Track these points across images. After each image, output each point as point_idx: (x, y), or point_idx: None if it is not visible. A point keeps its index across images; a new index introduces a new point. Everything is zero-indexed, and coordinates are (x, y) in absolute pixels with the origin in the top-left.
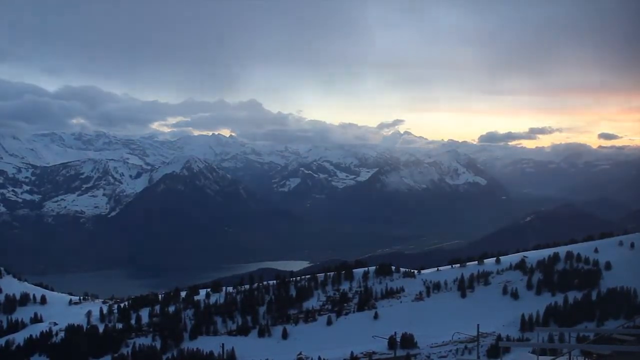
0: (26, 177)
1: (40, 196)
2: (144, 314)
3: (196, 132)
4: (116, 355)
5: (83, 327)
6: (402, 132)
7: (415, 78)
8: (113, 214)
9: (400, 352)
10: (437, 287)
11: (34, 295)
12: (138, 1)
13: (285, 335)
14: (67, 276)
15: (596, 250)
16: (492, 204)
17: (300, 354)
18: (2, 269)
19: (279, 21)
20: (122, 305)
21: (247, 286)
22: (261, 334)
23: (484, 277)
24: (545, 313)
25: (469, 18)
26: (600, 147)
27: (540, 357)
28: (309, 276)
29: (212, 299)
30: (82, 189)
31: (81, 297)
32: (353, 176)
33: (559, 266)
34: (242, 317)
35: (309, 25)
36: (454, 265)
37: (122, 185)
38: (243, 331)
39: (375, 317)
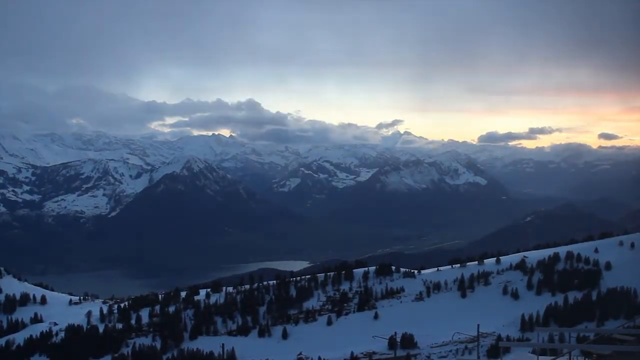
0: (26, 177)
1: (40, 196)
2: (144, 314)
3: (195, 132)
4: (116, 355)
5: (83, 327)
6: (402, 132)
7: (415, 78)
8: (113, 214)
9: (400, 352)
10: (437, 287)
11: (34, 295)
12: (134, 1)
13: (285, 335)
14: (67, 276)
15: (596, 250)
16: (492, 204)
17: (300, 354)
18: (2, 269)
19: (277, 21)
20: (122, 305)
21: (247, 286)
22: (261, 334)
23: (484, 277)
24: (545, 313)
25: (469, 17)
26: (600, 147)
27: (540, 357)
28: (309, 276)
29: (212, 299)
30: (82, 189)
31: (81, 297)
32: (353, 176)
33: (559, 266)
34: (242, 317)
35: (306, 25)
36: (454, 265)
37: (122, 185)
38: (243, 331)
39: (375, 317)
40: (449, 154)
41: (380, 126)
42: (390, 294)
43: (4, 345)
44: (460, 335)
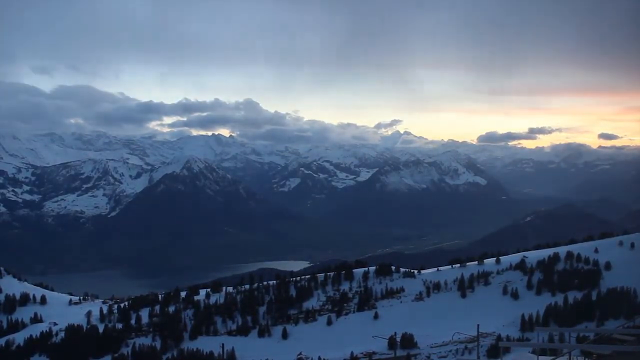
0: (26, 177)
1: (40, 196)
2: (144, 314)
3: (194, 132)
4: (116, 355)
5: (83, 327)
6: (401, 132)
7: (414, 78)
8: (113, 214)
9: (400, 352)
10: (437, 287)
11: (34, 295)
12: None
13: (285, 335)
14: (67, 276)
15: (596, 250)
16: (492, 204)
17: (300, 354)
18: (2, 269)
19: (274, 20)
20: (122, 305)
21: (247, 286)
22: (261, 334)
23: (484, 277)
24: (545, 313)
25: (468, 17)
26: (600, 147)
27: (540, 357)
28: (309, 276)
29: (212, 299)
30: (82, 189)
31: (81, 297)
32: (353, 176)
33: (559, 266)
34: (242, 317)
35: (304, 24)
36: (454, 265)
37: (122, 185)
38: (243, 331)
39: (375, 317)
40: (449, 154)
41: (379, 126)
42: (390, 294)
43: (4, 345)
44: (460, 335)
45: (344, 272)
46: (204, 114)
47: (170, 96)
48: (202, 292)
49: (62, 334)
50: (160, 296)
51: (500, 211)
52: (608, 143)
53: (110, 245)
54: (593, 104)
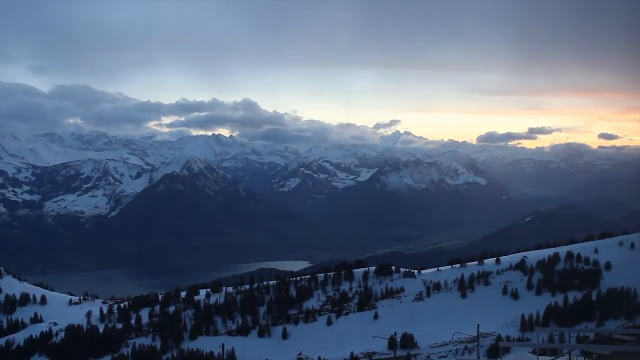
0: (26, 177)
1: (40, 196)
2: (144, 314)
3: (193, 132)
4: (116, 355)
5: (83, 327)
6: (401, 132)
7: (413, 78)
8: (113, 214)
9: (400, 352)
10: (437, 287)
11: (34, 295)
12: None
13: (285, 335)
14: (67, 276)
15: (596, 250)
16: (492, 204)
17: (300, 354)
18: (2, 269)
19: (272, 20)
20: (122, 305)
21: (247, 286)
22: (261, 334)
23: (484, 277)
24: (545, 313)
25: (468, 17)
26: (600, 147)
27: (540, 357)
28: (309, 276)
29: (212, 299)
30: (82, 189)
31: (81, 297)
32: (353, 176)
33: (559, 266)
34: (242, 317)
35: (301, 24)
36: (454, 265)
37: (122, 185)
38: (243, 331)
39: (375, 317)
40: (449, 154)
41: (377, 126)
42: (390, 294)
43: (4, 345)
44: (460, 335)
45: (344, 272)
46: (203, 113)
47: (167, 96)
48: (202, 292)
49: (62, 334)
50: (160, 296)
51: (500, 211)
52: (608, 143)
53: (110, 245)
54: (593, 104)
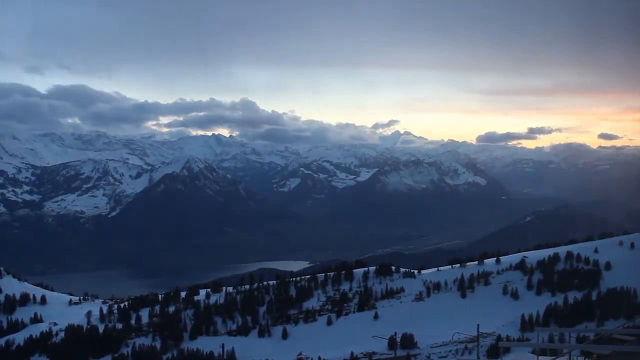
0: (26, 177)
1: (40, 196)
2: (144, 314)
3: (192, 132)
4: (116, 355)
5: (83, 327)
6: (401, 132)
7: (411, 78)
8: (113, 214)
9: (400, 352)
10: (437, 287)
11: (34, 295)
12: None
13: (285, 335)
14: (67, 276)
15: (596, 250)
16: (492, 204)
17: (300, 354)
18: (2, 269)
19: (268, 20)
20: (122, 305)
21: (247, 286)
22: (261, 334)
23: (484, 277)
24: (545, 313)
25: (467, 17)
26: (600, 147)
27: (540, 357)
28: (309, 276)
29: (212, 299)
30: (82, 189)
31: (81, 297)
32: (353, 176)
33: (559, 266)
34: (242, 317)
35: (299, 24)
36: (454, 265)
37: (122, 185)
38: (243, 331)
39: (375, 317)
40: (449, 154)
41: (376, 126)
42: (390, 294)
43: (4, 345)
44: (460, 335)
45: (344, 272)
46: (201, 113)
47: (165, 96)
48: (202, 292)
49: (62, 334)
50: (160, 296)
51: (500, 211)
52: (608, 143)
53: (110, 245)
54: (593, 104)
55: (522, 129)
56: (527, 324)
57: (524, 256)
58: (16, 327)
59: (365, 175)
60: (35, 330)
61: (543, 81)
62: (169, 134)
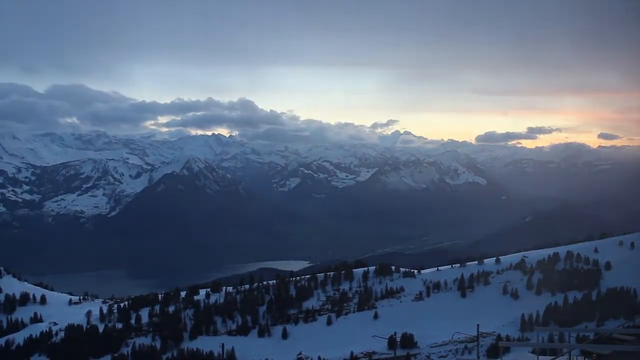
0: (26, 177)
1: (40, 196)
2: (144, 314)
3: (191, 132)
4: (116, 355)
5: (83, 327)
6: (401, 132)
7: (410, 78)
8: (113, 214)
9: (400, 352)
10: (437, 287)
11: (34, 295)
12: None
13: (285, 335)
14: (67, 276)
15: (596, 250)
16: (492, 204)
17: (300, 354)
18: (2, 269)
19: (266, 20)
20: (122, 305)
21: (247, 286)
22: (261, 334)
23: (484, 277)
24: (545, 313)
25: (467, 17)
26: (600, 147)
27: (540, 357)
28: (309, 276)
29: (212, 299)
30: (82, 188)
31: (81, 297)
32: (353, 176)
33: (559, 266)
34: (242, 317)
35: (296, 24)
36: (454, 265)
37: (122, 185)
38: (243, 331)
39: (375, 317)
40: (449, 154)
41: (375, 126)
42: (390, 293)
43: (4, 345)
44: (460, 335)
45: (344, 272)
46: (199, 113)
47: (162, 95)
48: (202, 292)
49: (62, 334)
50: (160, 296)
51: (500, 211)
52: (608, 143)
53: (110, 245)
54: (593, 104)
55: (522, 129)
56: (527, 324)
57: (524, 256)
58: (16, 327)
59: (365, 175)
60: (35, 330)
61: (543, 81)
62: (169, 134)
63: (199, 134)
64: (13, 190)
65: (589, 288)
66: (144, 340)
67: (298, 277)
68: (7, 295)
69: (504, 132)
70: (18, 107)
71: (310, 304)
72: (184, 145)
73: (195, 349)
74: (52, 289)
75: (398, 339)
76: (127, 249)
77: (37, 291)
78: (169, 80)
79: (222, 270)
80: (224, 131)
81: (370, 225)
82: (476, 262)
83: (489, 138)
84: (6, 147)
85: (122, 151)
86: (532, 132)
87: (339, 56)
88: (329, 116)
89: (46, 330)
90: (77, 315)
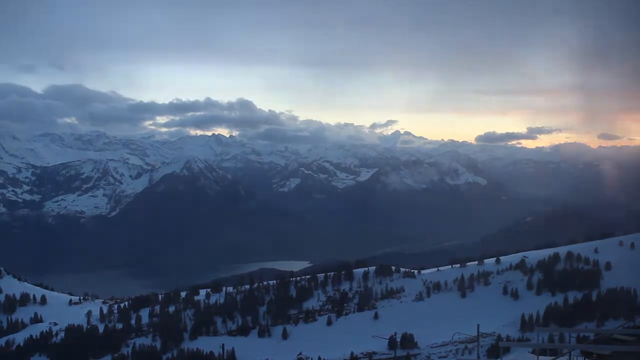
0: (26, 177)
1: (40, 196)
2: (144, 314)
3: (191, 132)
4: (116, 355)
5: (83, 327)
6: (402, 132)
7: (409, 78)
8: (113, 214)
9: (400, 352)
10: (437, 287)
11: (34, 295)
12: None
13: (285, 335)
14: (67, 276)
15: (596, 250)
16: (492, 204)
17: (300, 354)
18: (2, 269)
19: (266, 20)
20: (122, 305)
21: (247, 286)
22: (261, 334)
23: (484, 277)
24: (545, 313)
25: (467, 17)
26: (600, 147)
27: (540, 357)
28: (309, 276)
29: (212, 299)
30: (82, 189)
31: (81, 297)
32: (353, 176)
33: (559, 266)
34: (242, 317)
35: (294, 24)
36: (454, 265)
37: (122, 185)
38: (243, 331)
39: (375, 317)
40: (449, 154)
41: (374, 126)
42: (390, 294)
43: (4, 345)
44: (460, 335)
45: (344, 272)
46: (198, 113)
47: (160, 95)
48: (202, 292)
49: (62, 334)
50: (160, 296)
51: (500, 211)
52: (608, 143)
53: (110, 245)
54: (593, 104)
55: (522, 129)
56: (527, 324)
57: (524, 256)
58: (16, 327)
59: (365, 175)
60: (35, 330)
61: (543, 81)
62: (169, 134)
63: (199, 134)
64: (13, 191)
65: (589, 288)
66: (144, 341)
67: (298, 277)
68: (7, 296)
69: (504, 132)
70: (16, 107)
71: (311, 304)
72: (184, 145)
73: (195, 349)
74: (52, 289)
75: (398, 339)
76: (127, 249)
77: (37, 291)
78: (167, 81)
79: (222, 270)
80: (223, 131)
81: (370, 226)
82: (476, 262)
83: (489, 138)
84: (6, 147)
85: (122, 151)
86: (532, 132)
87: (338, 56)
88: (328, 116)
89: (46, 331)
90: (77, 316)
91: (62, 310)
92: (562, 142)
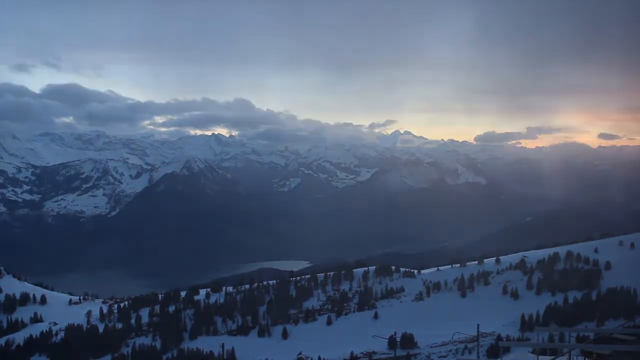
0: (26, 177)
1: (40, 196)
2: (144, 314)
3: (190, 131)
4: (116, 355)
5: (83, 327)
6: (402, 132)
7: (409, 78)
8: (113, 214)
9: (400, 352)
10: (437, 287)
11: (34, 295)
12: None
13: (285, 335)
14: (67, 276)
15: (596, 250)
16: (492, 204)
17: (300, 354)
18: (2, 269)
19: (265, 19)
20: (122, 305)
21: (247, 286)
22: (261, 334)
23: (484, 277)
24: (545, 313)
25: (467, 17)
26: (600, 147)
27: (540, 357)
28: (309, 276)
29: (212, 299)
30: (82, 188)
31: (81, 297)
32: (353, 176)
33: (559, 266)
34: (242, 317)
35: (292, 24)
36: (454, 265)
37: (122, 185)
38: (243, 331)
39: (375, 317)
40: (449, 154)
41: (372, 126)
42: (390, 293)
43: (4, 345)
44: (460, 335)
45: (344, 272)
46: (196, 113)
47: (158, 95)
48: (202, 292)
49: (62, 334)
50: (160, 296)
51: (500, 211)
52: (608, 143)
53: (110, 245)
54: (593, 104)
55: (522, 129)
56: (527, 324)
57: (524, 256)
58: (16, 326)
59: (365, 175)
60: (35, 330)
61: (543, 81)
62: (168, 134)
63: (199, 134)
64: (13, 190)
65: (589, 288)
66: (144, 340)
67: (298, 277)
68: (7, 295)
69: (504, 132)
70: (14, 107)
71: (311, 304)
72: (184, 145)
73: (195, 349)
74: (52, 289)
75: (398, 339)
76: (127, 249)
77: (37, 291)
78: (165, 80)
79: (222, 270)
80: (221, 131)
81: (370, 225)
82: (476, 262)
83: (489, 138)
84: (6, 147)
85: (122, 151)
86: (532, 132)
87: (338, 56)
88: (327, 116)
89: (46, 330)
90: (77, 316)
91: (62, 310)
92: (562, 142)
